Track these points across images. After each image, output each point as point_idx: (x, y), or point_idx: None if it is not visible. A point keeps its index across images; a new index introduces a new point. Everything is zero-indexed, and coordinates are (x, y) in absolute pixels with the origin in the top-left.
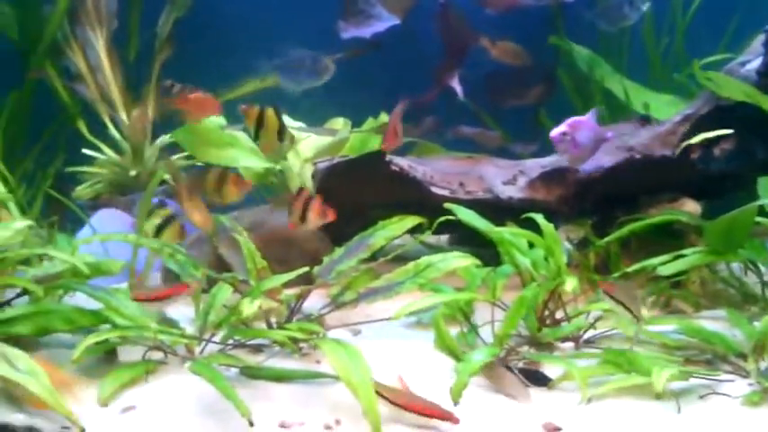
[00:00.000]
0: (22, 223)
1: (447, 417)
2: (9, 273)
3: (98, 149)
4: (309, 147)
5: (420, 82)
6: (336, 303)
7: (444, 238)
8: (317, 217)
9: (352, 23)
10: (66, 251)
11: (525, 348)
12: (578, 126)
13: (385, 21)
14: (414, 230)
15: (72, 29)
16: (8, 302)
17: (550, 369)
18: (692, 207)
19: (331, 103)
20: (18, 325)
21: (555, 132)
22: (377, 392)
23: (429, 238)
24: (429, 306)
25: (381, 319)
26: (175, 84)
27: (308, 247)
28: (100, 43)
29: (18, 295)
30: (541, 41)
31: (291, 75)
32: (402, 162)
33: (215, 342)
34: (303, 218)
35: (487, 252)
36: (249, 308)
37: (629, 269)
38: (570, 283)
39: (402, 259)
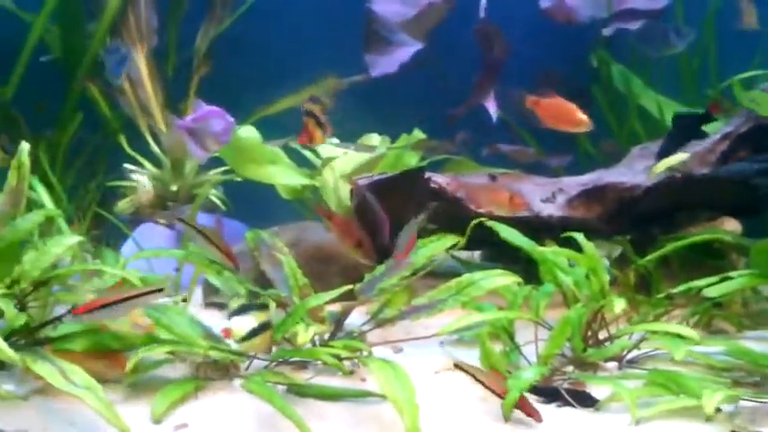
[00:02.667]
0: (73, 239)
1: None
2: (61, 288)
3: (138, 164)
4: (347, 163)
5: (449, 96)
6: (377, 320)
7: (477, 254)
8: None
9: (376, 53)
10: (115, 266)
11: (569, 368)
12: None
13: (408, 47)
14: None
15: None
16: (60, 318)
17: (596, 390)
18: (732, 225)
19: (360, 118)
20: (72, 342)
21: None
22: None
23: (462, 253)
24: (474, 324)
25: (424, 337)
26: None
27: (347, 263)
28: (141, 59)
29: (69, 311)
30: (575, 57)
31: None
32: (441, 180)
33: (260, 358)
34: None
35: (519, 268)
36: (304, 336)
37: (675, 291)
38: (619, 305)
39: (436, 274)
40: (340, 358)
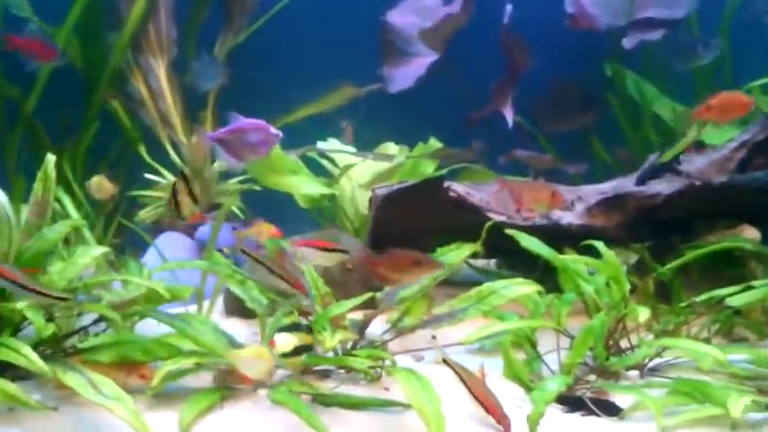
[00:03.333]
0: (99, 250)
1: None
2: (86, 297)
3: (158, 173)
4: (365, 172)
5: (464, 105)
6: (398, 329)
7: (492, 261)
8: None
9: (392, 65)
10: (139, 277)
11: (591, 377)
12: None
13: (424, 57)
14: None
15: (134, 56)
16: (85, 328)
17: (620, 398)
18: (751, 233)
19: (374, 126)
20: (100, 354)
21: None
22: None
23: (478, 261)
24: (498, 333)
25: (445, 345)
26: None
27: (367, 272)
28: (161, 70)
29: (95, 321)
30: (588, 65)
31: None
32: (459, 188)
33: (283, 368)
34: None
35: (535, 276)
36: (331, 341)
37: (698, 299)
38: (644, 314)
39: (453, 282)
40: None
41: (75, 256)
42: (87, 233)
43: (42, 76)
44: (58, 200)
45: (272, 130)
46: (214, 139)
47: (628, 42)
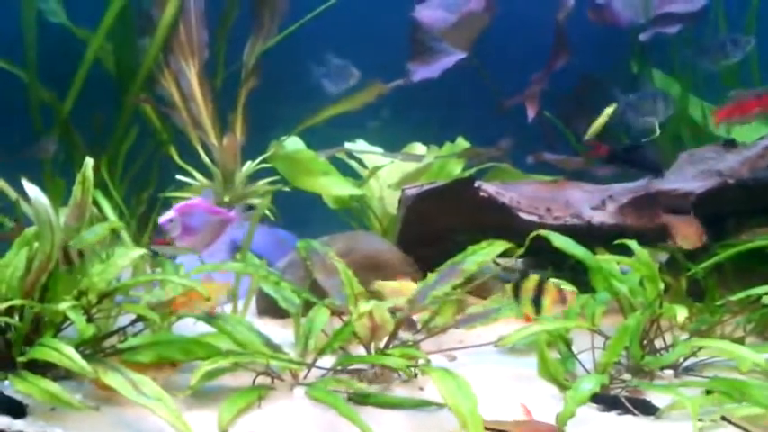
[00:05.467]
0: (138, 251)
1: None
2: (124, 299)
3: (190, 175)
4: (393, 172)
5: (486, 104)
6: (429, 329)
7: (519, 261)
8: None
9: (420, 62)
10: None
11: (626, 376)
12: (188, 211)
13: (452, 56)
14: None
15: (166, 59)
16: (123, 329)
17: (655, 397)
18: None
19: (397, 125)
20: (139, 354)
21: (162, 219)
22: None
23: (507, 261)
24: (535, 333)
25: (478, 345)
26: None
27: (397, 272)
28: (192, 73)
29: (133, 321)
30: (614, 63)
31: (332, 80)
32: (490, 188)
33: (318, 367)
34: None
35: (562, 276)
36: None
37: (733, 297)
38: (681, 314)
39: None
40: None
41: (114, 258)
42: (125, 235)
43: (77, 81)
44: (95, 202)
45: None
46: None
47: (644, 35)
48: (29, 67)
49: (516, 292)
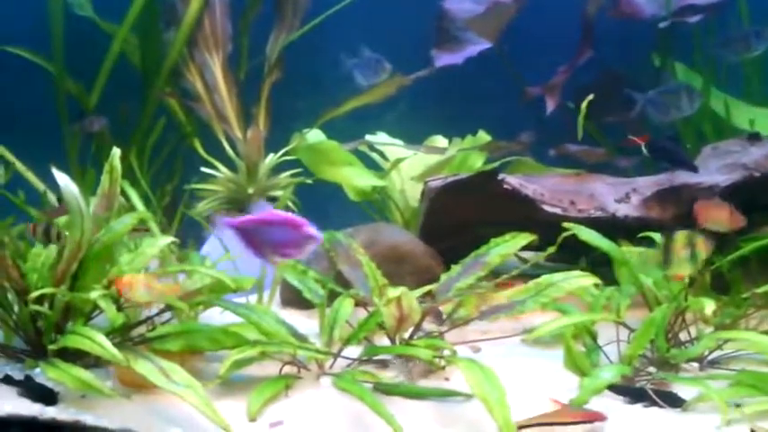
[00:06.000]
0: (166, 240)
1: (595, 417)
2: None
3: (214, 167)
4: (415, 165)
5: (505, 98)
6: (453, 320)
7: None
8: None
9: (445, 50)
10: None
11: (651, 369)
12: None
13: (477, 45)
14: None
15: (190, 52)
16: (151, 318)
17: (681, 390)
18: None
19: (414, 117)
20: (168, 342)
21: (225, 220)
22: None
23: (526, 254)
24: (562, 327)
25: (503, 336)
26: None
27: (420, 264)
28: (216, 65)
29: (161, 311)
30: (635, 56)
31: (362, 72)
32: (513, 181)
33: (343, 357)
34: None
35: (585, 268)
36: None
37: (759, 290)
38: (710, 307)
39: (501, 274)
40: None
41: (142, 248)
42: (153, 225)
43: (103, 73)
44: (123, 192)
45: (308, 230)
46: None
47: (663, 23)
48: (56, 59)
49: (666, 252)
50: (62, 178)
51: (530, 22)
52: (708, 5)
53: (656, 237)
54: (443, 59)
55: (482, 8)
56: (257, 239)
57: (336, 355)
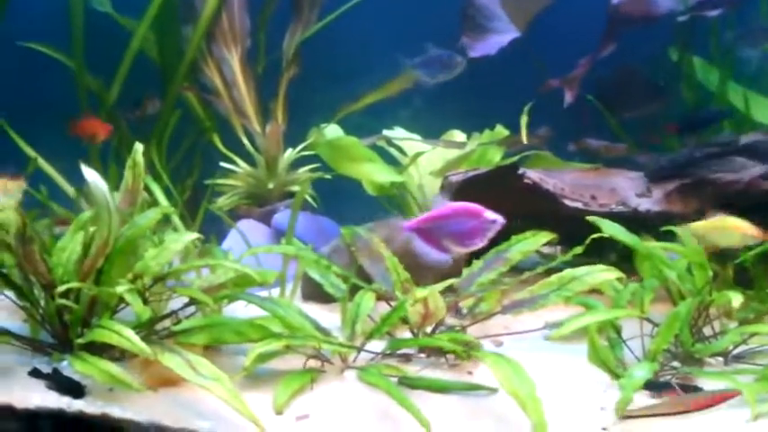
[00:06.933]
0: (190, 236)
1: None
2: (175, 283)
3: (233, 162)
4: (433, 160)
5: (519, 91)
6: (474, 314)
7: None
8: None
9: (474, 38)
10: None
11: (675, 363)
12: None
13: (505, 34)
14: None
15: (208, 47)
16: (176, 312)
17: (706, 384)
18: None
19: (429, 112)
20: (193, 336)
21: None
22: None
23: (545, 248)
24: (590, 323)
25: (526, 331)
26: None
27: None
28: (235, 60)
29: (186, 305)
30: (652, 51)
31: (429, 70)
32: (534, 175)
33: (366, 350)
34: None
35: (606, 262)
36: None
37: None
38: (737, 300)
39: (521, 269)
40: (446, 351)
41: (167, 242)
42: (177, 220)
43: (122, 69)
44: (146, 187)
45: (489, 216)
46: (409, 230)
47: (682, 17)
48: (76, 55)
49: None
50: (90, 175)
51: (547, 15)
52: (727, 0)
53: (678, 231)
54: (478, 49)
55: None
56: (437, 235)
57: (360, 349)
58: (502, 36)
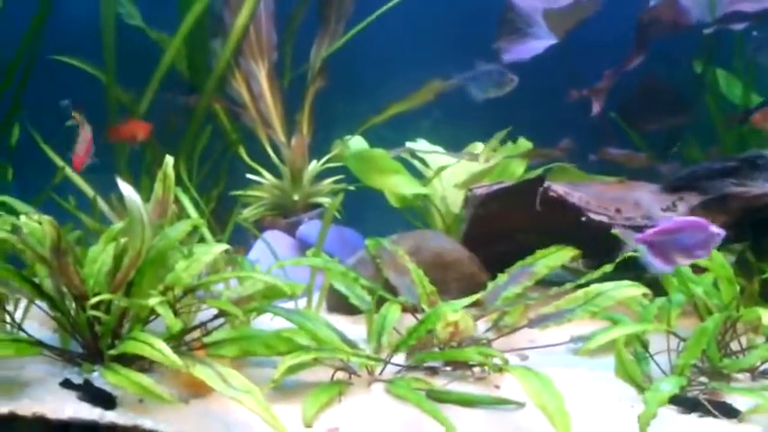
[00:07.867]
0: (220, 247)
1: None
2: (205, 294)
3: (259, 174)
4: (457, 172)
5: (536, 104)
6: (500, 328)
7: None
8: None
9: (510, 42)
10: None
11: (702, 379)
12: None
13: (543, 40)
14: None
15: (236, 61)
16: (205, 324)
17: (734, 400)
18: None
19: (450, 124)
20: (224, 348)
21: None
22: None
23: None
24: (618, 337)
25: (552, 345)
26: None
27: (465, 271)
28: (262, 74)
29: (215, 316)
30: (676, 62)
31: (479, 85)
32: (559, 188)
33: (393, 363)
34: None
35: (623, 276)
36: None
37: None
38: (766, 316)
39: (544, 282)
40: (472, 365)
41: (197, 254)
42: (206, 232)
43: (153, 82)
44: (176, 199)
45: (712, 228)
46: (641, 241)
47: (708, 29)
48: (108, 68)
49: None
50: (125, 188)
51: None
52: (756, 13)
53: None
54: (513, 53)
55: (551, 4)
56: (665, 248)
57: (387, 362)
58: (540, 41)
